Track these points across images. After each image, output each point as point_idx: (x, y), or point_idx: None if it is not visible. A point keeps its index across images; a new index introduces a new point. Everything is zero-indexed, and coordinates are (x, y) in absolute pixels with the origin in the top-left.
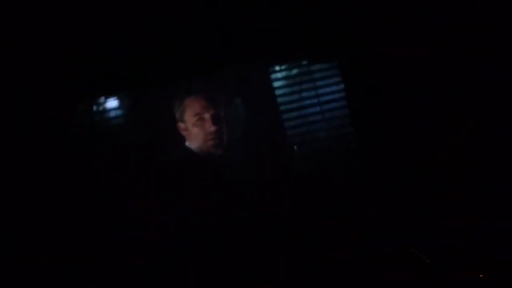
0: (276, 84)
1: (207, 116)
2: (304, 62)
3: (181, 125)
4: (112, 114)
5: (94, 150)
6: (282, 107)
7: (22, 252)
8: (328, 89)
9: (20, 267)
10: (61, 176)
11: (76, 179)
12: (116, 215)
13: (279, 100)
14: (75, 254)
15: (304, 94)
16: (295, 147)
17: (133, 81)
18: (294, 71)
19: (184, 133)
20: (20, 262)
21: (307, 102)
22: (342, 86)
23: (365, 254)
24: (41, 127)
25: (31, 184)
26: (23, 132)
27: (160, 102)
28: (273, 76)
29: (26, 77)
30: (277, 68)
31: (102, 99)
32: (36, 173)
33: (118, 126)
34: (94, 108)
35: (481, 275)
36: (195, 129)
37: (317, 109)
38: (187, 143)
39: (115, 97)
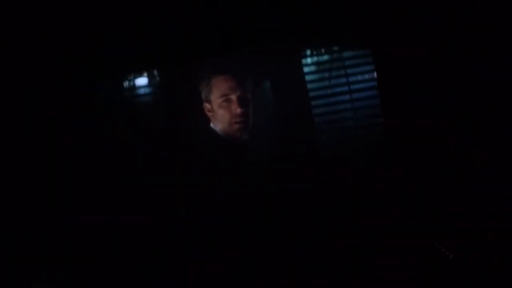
0: (306, 69)
1: (233, 97)
2: (336, 48)
3: (206, 106)
4: (140, 91)
5: (118, 125)
6: (311, 94)
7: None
8: (359, 77)
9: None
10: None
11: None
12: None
13: (309, 86)
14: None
15: (335, 81)
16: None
17: (161, 58)
18: (326, 57)
19: (209, 114)
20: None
21: (337, 89)
22: (374, 74)
23: (387, 248)
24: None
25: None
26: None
27: (187, 81)
28: (304, 61)
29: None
30: (308, 52)
31: (130, 76)
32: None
33: (144, 104)
34: (122, 85)
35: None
36: (221, 110)
37: (347, 97)
38: (212, 125)
39: (143, 75)
